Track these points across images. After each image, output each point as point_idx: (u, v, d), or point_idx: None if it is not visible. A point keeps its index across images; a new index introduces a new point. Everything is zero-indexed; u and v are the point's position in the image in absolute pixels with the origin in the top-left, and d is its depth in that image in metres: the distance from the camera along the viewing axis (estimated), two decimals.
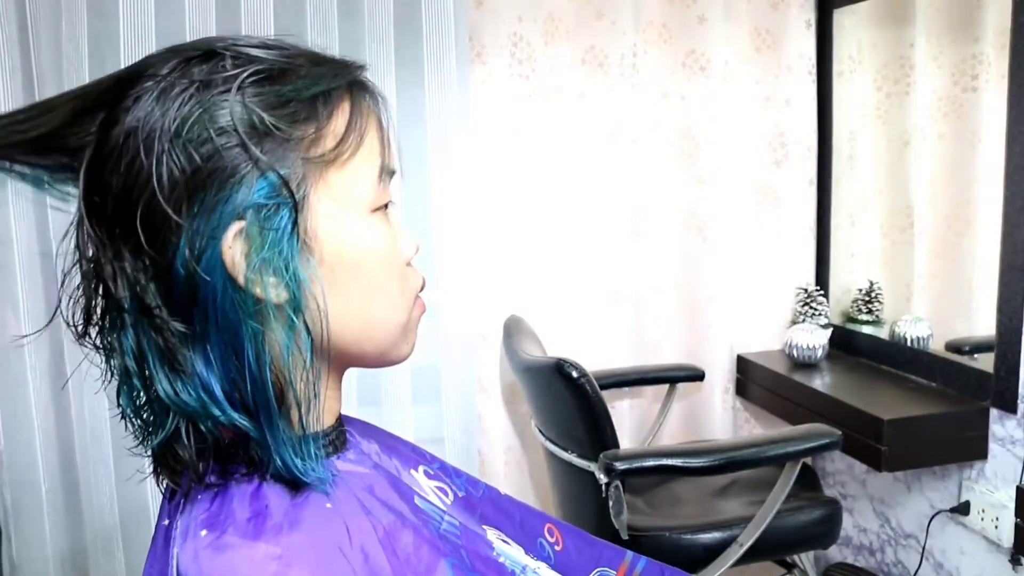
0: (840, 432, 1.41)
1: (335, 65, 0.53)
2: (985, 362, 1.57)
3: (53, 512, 1.64)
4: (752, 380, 2.00)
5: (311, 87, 0.50)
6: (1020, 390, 1.48)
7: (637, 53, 1.88)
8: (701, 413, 2.05)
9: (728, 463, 1.39)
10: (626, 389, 1.98)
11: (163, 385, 0.48)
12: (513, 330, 1.72)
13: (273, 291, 0.48)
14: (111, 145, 0.48)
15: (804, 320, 1.98)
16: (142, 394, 0.50)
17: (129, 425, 0.52)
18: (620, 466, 1.33)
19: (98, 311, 0.51)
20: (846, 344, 1.98)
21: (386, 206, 0.56)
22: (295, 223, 0.48)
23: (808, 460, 1.75)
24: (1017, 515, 1.48)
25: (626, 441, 1.97)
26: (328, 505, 0.50)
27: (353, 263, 0.52)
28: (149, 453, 0.53)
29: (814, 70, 1.98)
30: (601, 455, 1.36)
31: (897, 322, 1.86)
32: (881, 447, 1.52)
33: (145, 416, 0.51)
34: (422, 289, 0.60)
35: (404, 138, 1.70)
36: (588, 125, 1.90)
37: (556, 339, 1.86)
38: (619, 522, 1.40)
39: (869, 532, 1.93)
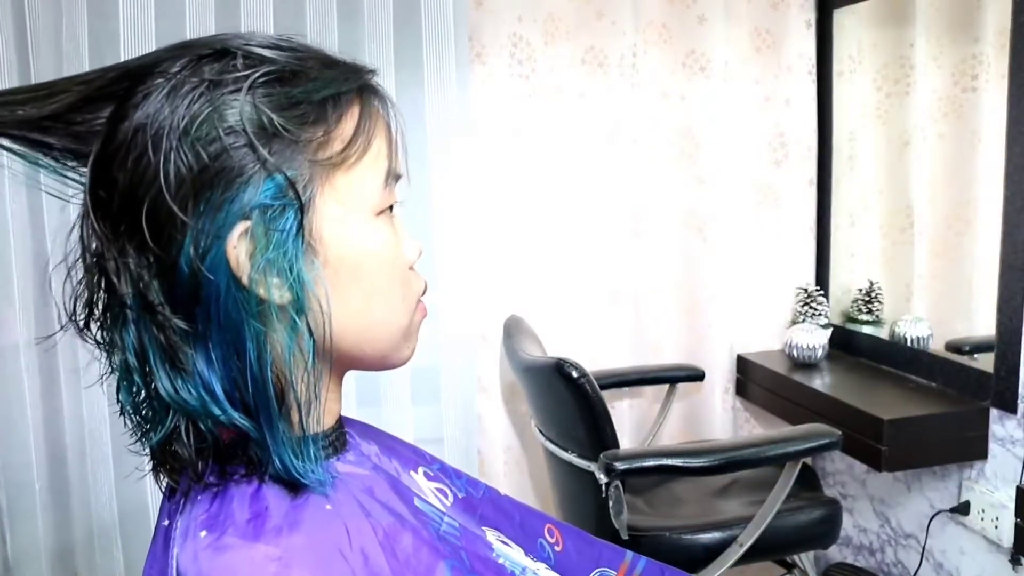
0: (840, 432, 1.41)
1: (346, 69, 0.53)
2: (985, 362, 1.57)
3: (49, 512, 1.64)
4: (752, 380, 2.00)
5: (321, 90, 0.50)
6: (1020, 390, 1.48)
7: (637, 53, 1.88)
8: (701, 413, 2.05)
9: (728, 463, 1.39)
10: (626, 389, 1.98)
11: (163, 382, 0.48)
12: (513, 330, 1.72)
13: (276, 292, 0.48)
14: (119, 140, 0.48)
15: (804, 320, 1.98)
16: (142, 391, 0.50)
17: (128, 421, 0.52)
18: (620, 466, 1.33)
19: (100, 306, 0.50)
20: (846, 344, 1.98)
21: (391, 209, 0.56)
22: (300, 225, 0.48)
23: (808, 460, 1.75)
24: (1017, 515, 1.48)
25: (626, 441, 1.97)
26: (328, 507, 0.50)
27: (356, 266, 0.52)
28: (148, 450, 0.53)
29: (814, 70, 1.98)
30: (601, 455, 1.36)
31: (897, 322, 1.86)
32: (881, 447, 1.52)
33: (144, 413, 0.51)
34: (424, 293, 0.60)
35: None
36: (588, 125, 1.89)
37: (556, 339, 1.86)
38: (619, 522, 1.40)
39: (869, 532, 1.93)
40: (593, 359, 1.88)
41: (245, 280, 0.48)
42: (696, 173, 1.96)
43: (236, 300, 0.48)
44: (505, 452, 1.95)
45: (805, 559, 1.71)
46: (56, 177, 0.52)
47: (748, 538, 1.43)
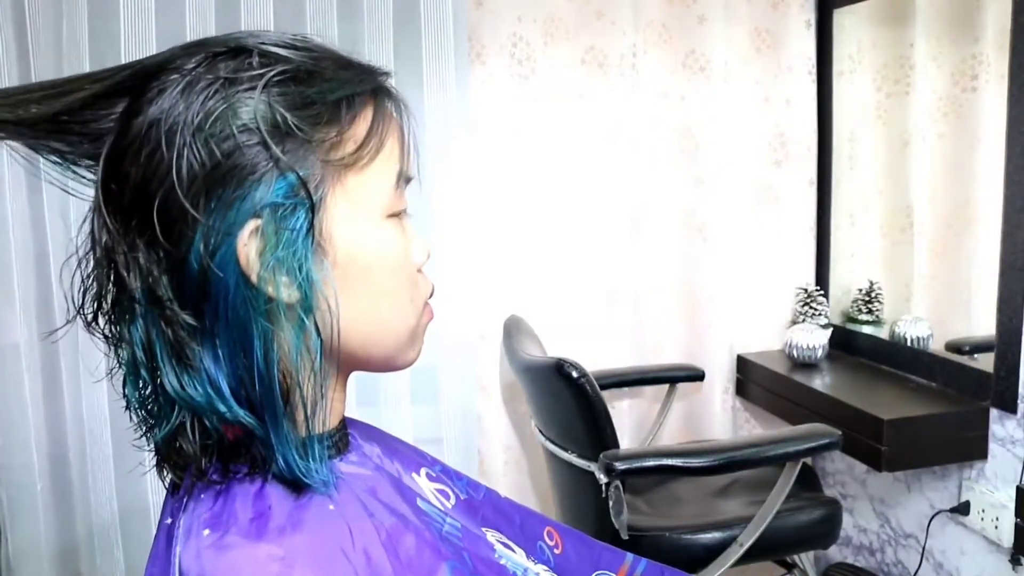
0: (840, 432, 1.41)
1: (361, 70, 0.53)
2: (985, 362, 1.57)
3: (50, 512, 1.64)
4: (752, 380, 2.00)
5: (336, 91, 0.50)
6: (1020, 390, 1.48)
7: (637, 53, 1.88)
8: (701, 413, 2.05)
9: (728, 463, 1.39)
10: (626, 389, 1.98)
11: (170, 378, 0.48)
12: (513, 330, 1.72)
13: (285, 291, 0.48)
14: (132, 135, 0.48)
15: (804, 320, 1.98)
16: (148, 386, 0.50)
17: (133, 416, 0.52)
18: (620, 466, 1.33)
19: (108, 300, 0.51)
20: (846, 344, 1.98)
21: (401, 212, 0.56)
22: (311, 224, 0.49)
23: (808, 460, 1.75)
24: (1017, 515, 1.48)
25: (626, 441, 1.97)
26: (331, 507, 0.50)
27: (365, 267, 0.52)
28: (152, 446, 0.53)
29: (814, 70, 1.98)
30: (601, 455, 1.36)
31: (897, 322, 1.86)
32: (881, 447, 1.52)
33: (150, 408, 0.51)
34: (431, 296, 0.60)
35: None
36: (588, 125, 1.89)
37: (556, 339, 1.86)
38: (619, 522, 1.40)
39: (869, 532, 1.93)
40: (593, 359, 1.88)
41: (254, 278, 0.48)
42: (696, 173, 1.96)
43: (245, 298, 0.48)
44: (505, 452, 1.95)
45: (805, 559, 1.71)
46: (67, 175, 0.51)
47: (748, 538, 1.43)
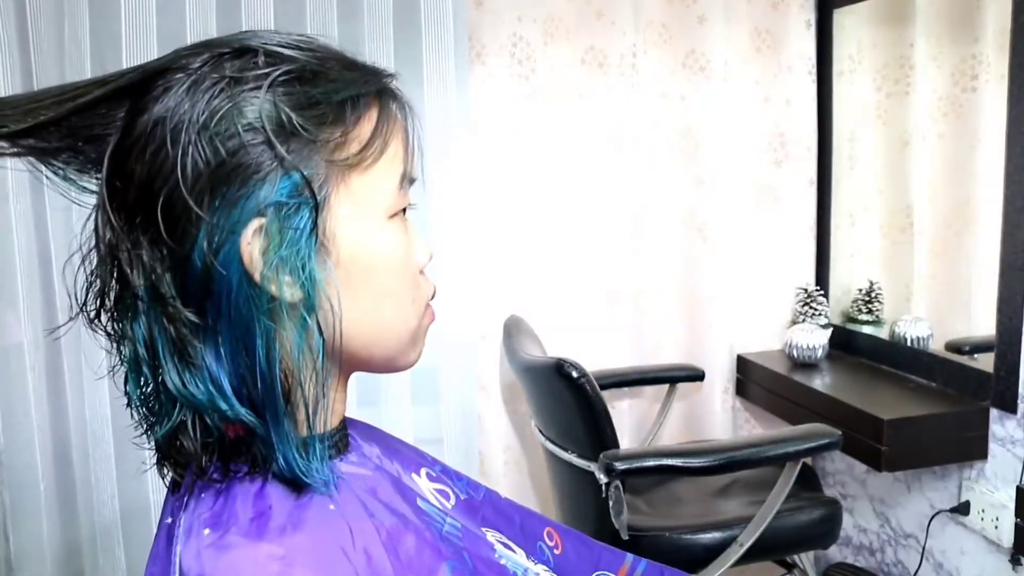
0: (840, 432, 1.42)
1: (366, 71, 0.54)
2: (985, 362, 1.57)
3: (51, 512, 1.64)
4: (752, 380, 2.00)
5: (341, 91, 0.51)
6: (1020, 390, 1.48)
7: (637, 53, 1.88)
8: (701, 413, 2.05)
9: (728, 463, 1.39)
10: (626, 389, 1.98)
11: (171, 376, 0.48)
12: (513, 330, 1.72)
13: (288, 290, 0.49)
14: (137, 133, 0.48)
15: (804, 320, 1.98)
16: (150, 384, 0.50)
17: (134, 414, 0.52)
18: (620, 466, 1.33)
19: (111, 297, 0.51)
20: (846, 344, 1.98)
21: (404, 212, 0.56)
22: (315, 224, 0.49)
23: (808, 460, 1.75)
24: (1017, 515, 1.48)
25: (626, 441, 1.97)
26: (331, 507, 0.50)
27: (368, 267, 0.53)
28: (152, 444, 0.53)
29: (814, 70, 1.98)
30: (601, 455, 1.36)
31: (897, 322, 1.86)
32: (881, 447, 1.52)
33: (152, 406, 0.52)
34: (432, 297, 0.61)
35: None
36: (588, 125, 1.89)
37: (556, 339, 1.86)
38: (619, 522, 1.41)
39: (869, 532, 1.93)
40: (593, 359, 1.88)
41: (257, 277, 0.48)
42: (696, 173, 1.96)
43: (247, 296, 0.48)
44: (505, 452, 1.95)
45: (805, 559, 1.71)
46: (72, 190, 0.51)
47: (748, 538, 1.43)
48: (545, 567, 0.71)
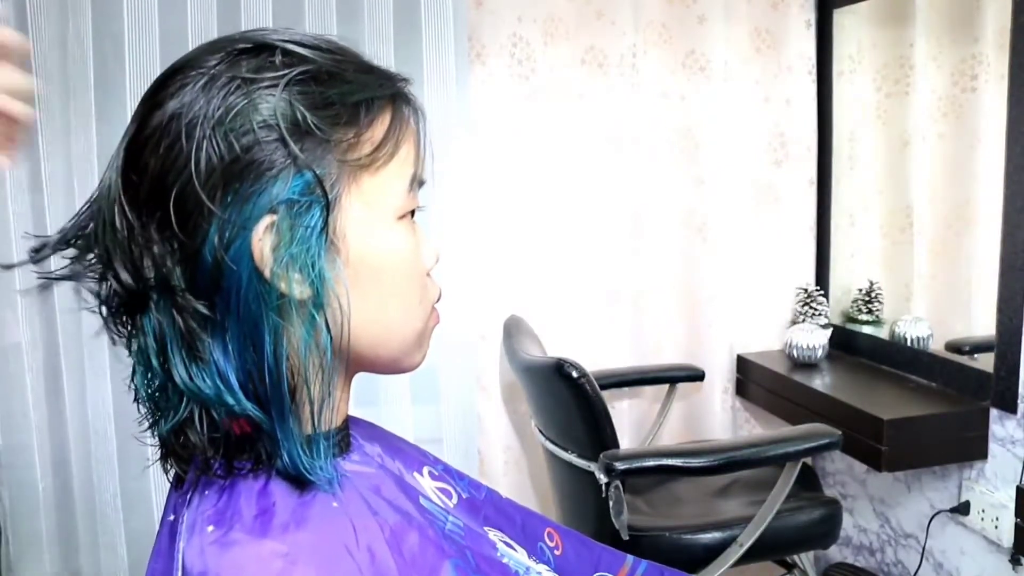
0: (840, 432, 1.42)
1: (381, 75, 0.54)
2: (985, 362, 1.57)
3: (52, 511, 1.64)
4: (752, 380, 2.00)
5: (356, 93, 0.51)
6: (1020, 390, 1.48)
7: (637, 53, 1.89)
8: (701, 413, 2.05)
9: (728, 463, 1.39)
10: (626, 389, 1.98)
11: (179, 369, 0.49)
12: (513, 330, 1.72)
13: (297, 287, 0.49)
14: (153, 126, 0.48)
15: (804, 320, 1.98)
16: (157, 377, 0.51)
17: (141, 407, 0.53)
18: (620, 466, 1.33)
19: (122, 289, 0.51)
20: (846, 344, 1.98)
21: (412, 214, 0.56)
22: (325, 222, 0.49)
23: (808, 460, 1.75)
24: (1017, 515, 1.48)
25: (626, 441, 1.97)
26: (335, 504, 0.50)
27: (376, 267, 0.53)
28: (157, 439, 0.53)
29: (814, 70, 1.98)
30: (601, 455, 1.36)
31: (897, 322, 1.86)
32: (881, 447, 1.52)
33: (158, 400, 0.52)
34: (438, 300, 0.61)
35: None
36: (588, 125, 1.90)
37: (556, 339, 1.86)
38: (619, 522, 1.40)
39: (869, 532, 1.93)
40: (593, 359, 1.88)
41: (267, 273, 0.48)
42: (696, 173, 1.96)
43: (257, 292, 0.48)
44: (505, 452, 1.95)
45: (805, 559, 1.71)
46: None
47: (748, 538, 1.43)
48: (546, 567, 0.71)
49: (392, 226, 0.54)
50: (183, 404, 0.49)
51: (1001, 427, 1.53)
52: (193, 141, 0.47)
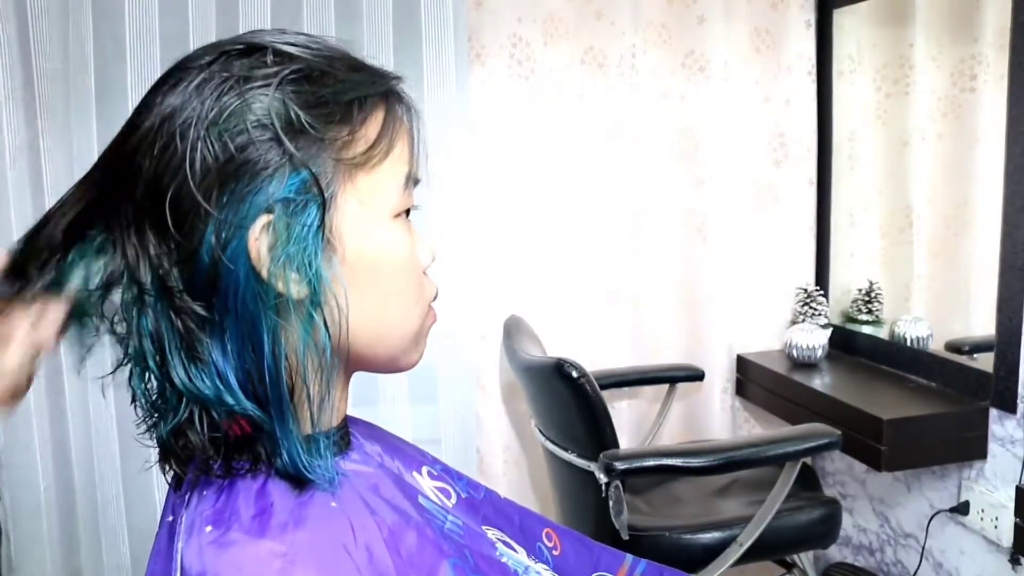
0: (840, 432, 1.42)
1: (373, 73, 0.54)
2: (985, 362, 1.57)
3: (53, 511, 1.64)
4: (752, 380, 2.00)
5: (348, 91, 0.51)
6: (1020, 390, 1.48)
7: (636, 53, 1.89)
8: (701, 413, 2.05)
9: (728, 463, 1.39)
10: (626, 389, 1.98)
11: (178, 371, 0.49)
12: (513, 330, 1.72)
13: (295, 287, 0.49)
14: (146, 128, 0.48)
15: (804, 320, 1.98)
16: (155, 379, 0.51)
17: (139, 409, 0.52)
18: (620, 466, 1.33)
19: (120, 291, 0.51)
20: (846, 344, 1.98)
21: (408, 213, 0.56)
22: (322, 221, 0.49)
23: (808, 460, 1.75)
24: (1017, 515, 1.48)
25: (626, 441, 1.97)
26: (333, 504, 0.50)
27: (373, 266, 0.53)
28: (156, 441, 0.53)
29: (814, 70, 1.98)
30: (601, 455, 1.36)
31: (897, 322, 1.86)
32: (881, 447, 1.53)
33: (156, 402, 0.52)
34: (435, 299, 0.61)
35: None
36: (588, 125, 1.90)
37: (556, 339, 1.86)
38: (619, 522, 1.41)
39: (869, 532, 1.93)
40: (593, 359, 1.88)
41: (264, 273, 0.48)
42: (696, 173, 1.96)
43: (254, 292, 0.48)
44: (504, 452, 1.95)
45: (805, 559, 1.71)
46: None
47: (748, 538, 1.43)
48: (545, 566, 0.71)
49: (388, 224, 0.54)
50: (182, 405, 0.49)
51: (1001, 427, 1.53)
52: (187, 142, 0.47)
